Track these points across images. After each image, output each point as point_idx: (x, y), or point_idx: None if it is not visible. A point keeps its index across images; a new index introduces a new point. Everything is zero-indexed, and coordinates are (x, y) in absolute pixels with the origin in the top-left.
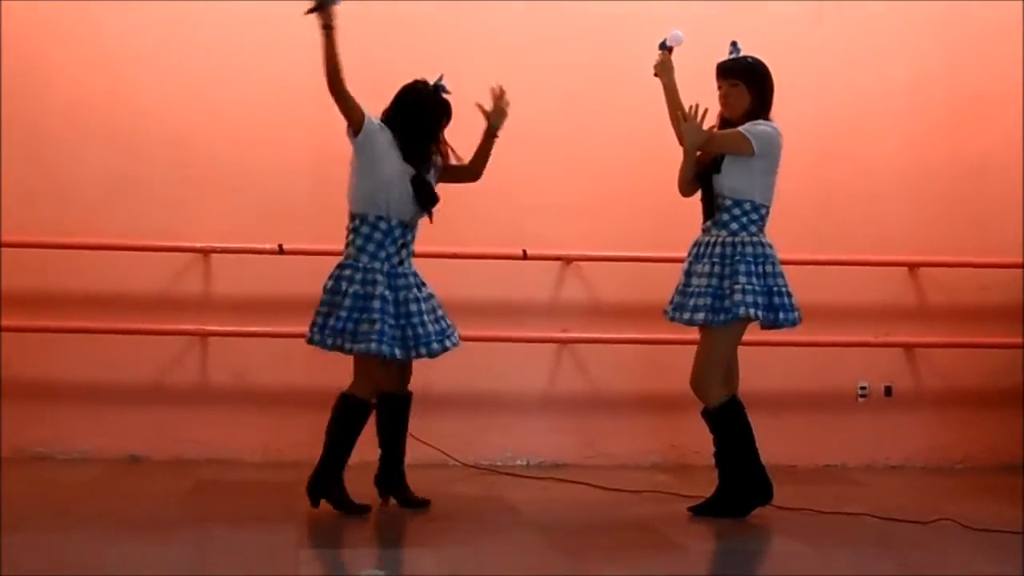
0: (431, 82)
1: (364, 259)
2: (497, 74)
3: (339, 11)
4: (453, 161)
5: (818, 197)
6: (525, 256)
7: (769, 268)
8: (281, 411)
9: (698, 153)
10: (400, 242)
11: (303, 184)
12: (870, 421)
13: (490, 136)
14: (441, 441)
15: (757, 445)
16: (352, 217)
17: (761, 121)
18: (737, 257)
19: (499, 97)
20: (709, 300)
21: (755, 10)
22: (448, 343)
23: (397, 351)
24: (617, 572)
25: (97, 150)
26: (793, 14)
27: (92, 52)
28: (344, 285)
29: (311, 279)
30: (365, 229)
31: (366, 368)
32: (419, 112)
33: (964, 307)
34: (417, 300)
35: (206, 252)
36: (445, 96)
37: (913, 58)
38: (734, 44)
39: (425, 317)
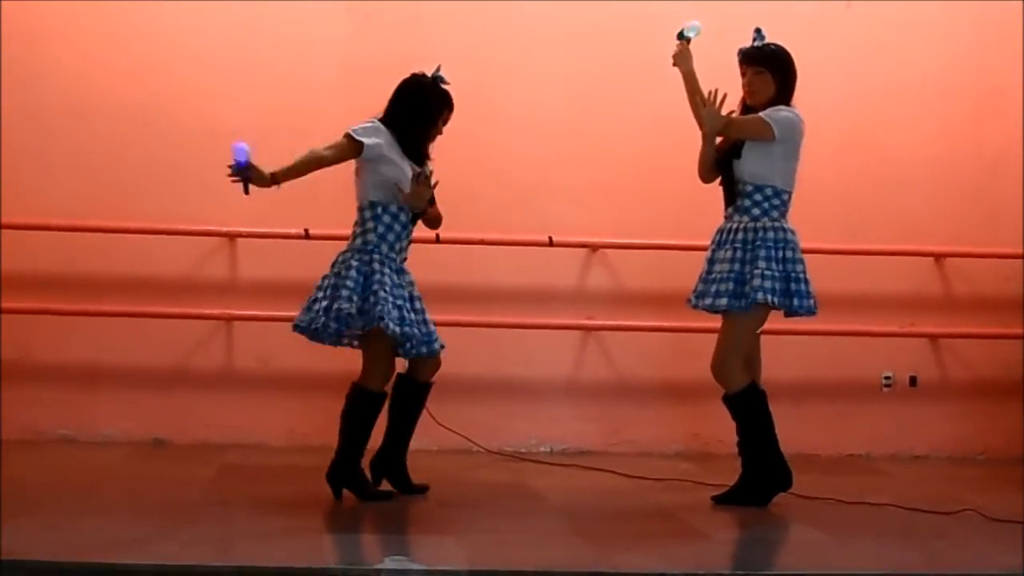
0: (429, 74)
1: (384, 247)
2: (523, 59)
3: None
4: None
5: (843, 186)
6: (551, 243)
7: (788, 254)
8: (306, 396)
9: (718, 139)
10: (408, 238)
11: (329, 169)
12: (895, 411)
13: (417, 219)
14: (466, 427)
15: (776, 432)
16: (371, 205)
17: (782, 107)
18: (758, 243)
19: (423, 184)
20: (731, 286)
21: None
22: (437, 346)
23: (424, 347)
24: (641, 559)
25: (123, 134)
26: (821, 1)
27: (118, 34)
28: (377, 266)
29: None
30: (387, 218)
31: (382, 358)
32: (422, 107)
33: (989, 298)
34: (420, 298)
35: (232, 236)
36: (445, 87)
37: (940, 48)
38: (758, 31)
39: (427, 315)
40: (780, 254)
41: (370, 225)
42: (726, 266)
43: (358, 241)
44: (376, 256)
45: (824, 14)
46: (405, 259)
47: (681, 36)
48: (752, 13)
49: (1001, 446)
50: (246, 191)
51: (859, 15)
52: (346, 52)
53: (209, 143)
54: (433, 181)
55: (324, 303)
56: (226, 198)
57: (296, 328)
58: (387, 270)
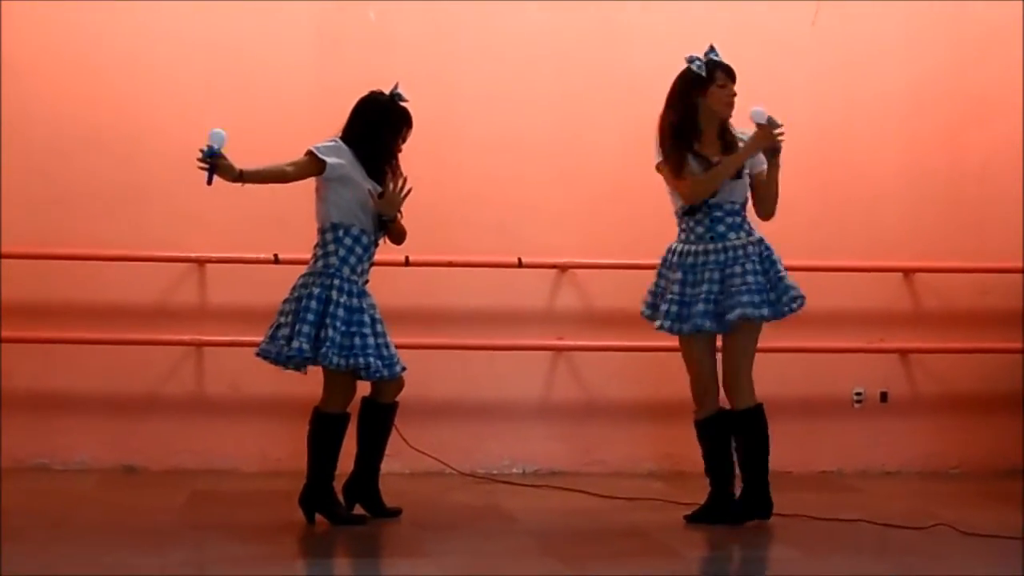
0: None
1: (346, 271)
2: (492, 81)
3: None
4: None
5: (814, 202)
6: (520, 264)
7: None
8: (278, 420)
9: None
10: (370, 260)
11: (298, 193)
12: (866, 427)
13: (384, 226)
14: (438, 450)
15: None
16: (332, 227)
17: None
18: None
19: (397, 188)
20: (766, 295)
21: (751, 12)
22: (398, 369)
23: (384, 370)
24: None
25: (91, 161)
26: (789, 16)
27: (88, 63)
28: (335, 295)
29: None
30: (348, 240)
31: (339, 383)
32: (382, 126)
33: (959, 312)
34: (381, 321)
35: (201, 262)
36: (403, 104)
37: (911, 61)
38: (711, 49)
39: (388, 338)
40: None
41: (331, 248)
42: (749, 278)
43: (319, 264)
44: (336, 281)
45: (791, 31)
46: (367, 281)
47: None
48: (719, 33)
49: (974, 460)
50: (209, 180)
51: (825, 32)
52: (316, 76)
53: (178, 169)
54: (407, 188)
55: (286, 331)
56: (195, 224)
57: (260, 355)
58: (344, 297)
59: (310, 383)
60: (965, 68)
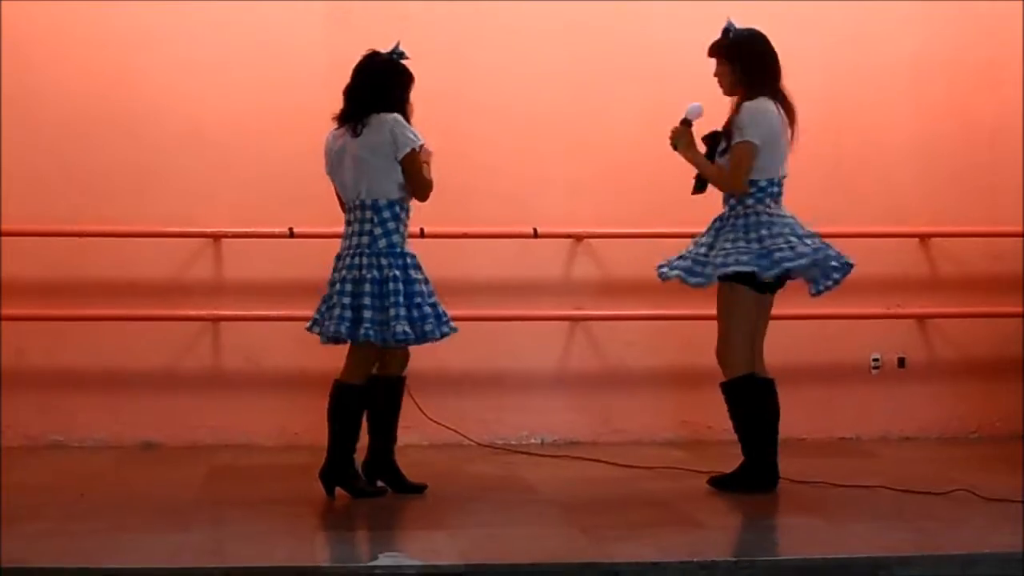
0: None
1: (406, 247)
2: (507, 52)
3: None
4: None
5: (827, 170)
6: (536, 235)
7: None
8: (295, 394)
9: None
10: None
11: (312, 167)
12: (884, 393)
13: None
14: (456, 421)
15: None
16: (393, 203)
17: (752, 107)
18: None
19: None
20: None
21: None
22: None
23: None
24: (635, 549)
25: (106, 137)
26: None
27: (100, 38)
28: (412, 272)
29: (322, 262)
30: (404, 216)
31: (363, 354)
32: (396, 87)
33: (976, 277)
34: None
35: (216, 237)
36: (405, 63)
37: (921, 28)
38: (728, 24)
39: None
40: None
41: (391, 226)
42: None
43: (382, 243)
44: (408, 259)
45: (801, 1)
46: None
47: (685, 122)
48: (730, 3)
49: (993, 425)
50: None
51: (836, 1)
52: (328, 51)
53: (192, 145)
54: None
55: (374, 314)
56: (210, 199)
57: (332, 340)
58: (412, 271)
59: (326, 356)
60: (974, 34)
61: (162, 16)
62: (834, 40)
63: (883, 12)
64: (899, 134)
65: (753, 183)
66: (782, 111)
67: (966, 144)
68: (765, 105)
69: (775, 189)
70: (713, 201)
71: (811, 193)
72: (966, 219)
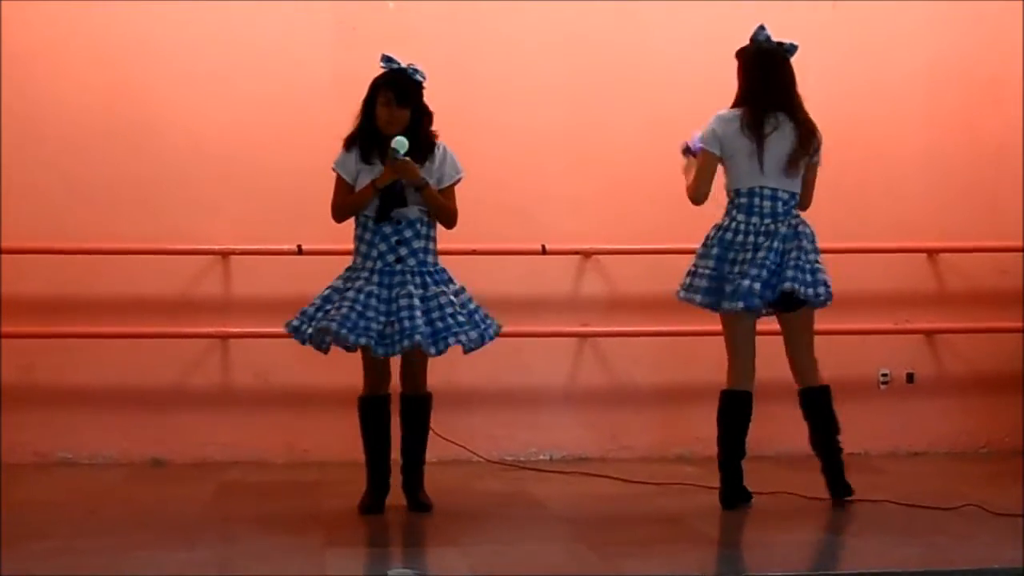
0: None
1: (358, 259)
2: (512, 68)
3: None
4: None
5: (834, 184)
6: (544, 251)
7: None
8: (304, 411)
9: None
10: (386, 239)
11: (320, 184)
12: (892, 408)
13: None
14: (465, 438)
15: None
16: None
17: (711, 121)
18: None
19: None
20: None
21: None
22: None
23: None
24: (646, 565)
25: (114, 154)
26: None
27: (107, 54)
28: (340, 283)
29: (330, 279)
30: (358, 229)
31: (363, 364)
32: (362, 105)
33: (984, 292)
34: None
35: (225, 254)
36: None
37: (929, 43)
38: (755, 31)
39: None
40: None
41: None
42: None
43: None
44: (347, 273)
45: (811, 14)
46: (398, 258)
47: (688, 152)
48: (740, 15)
49: (1002, 440)
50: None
51: (846, 13)
52: (334, 65)
53: (198, 161)
54: (401, 153)
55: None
56: (218, 216)
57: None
58: (359, 283)
59: (335, 373)
60: (982, 50)
61: (166, 30)
62: (842, 53)
63: (892, 26)
64: (907, 148)
65: (727, 194)
66: (748, 125)
67: (974, 159)
68: (721, 114)
69: (741, 200)
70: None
71: (819, 207)
72: (974, 234)
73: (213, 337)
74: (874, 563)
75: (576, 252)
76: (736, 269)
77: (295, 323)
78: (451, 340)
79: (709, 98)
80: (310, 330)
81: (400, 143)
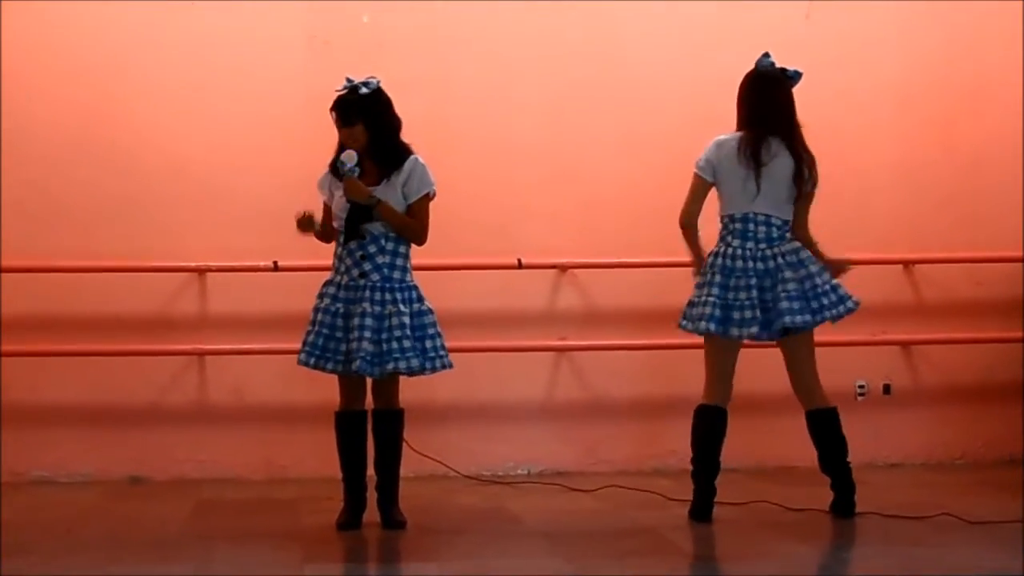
0: None
1: (331, 274)
2: (487, 82)
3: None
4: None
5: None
6: (520, 265)
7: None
8: (281, 428)
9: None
10: (352, 255)
11: (296, 200)
12: (869, 419)
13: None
14: (441, 452)
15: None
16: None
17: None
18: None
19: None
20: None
21: (743, 9)
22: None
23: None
24: None
25: (89, 172)
26: (781, 12)
27: (83, 72)
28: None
29: (307, 295)
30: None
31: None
32: None
33: (960, 303)
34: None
35: (201, 271)
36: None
37: (903, 54)
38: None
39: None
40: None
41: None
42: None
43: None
44: (322, 288)
45: (784, 24)
46: (362, 273)
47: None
48: (713, 28)
49: (978, 451)
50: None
51: (819, 23)
52: (308, 80)
53: (174, 178)
54: (348, 167)
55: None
56: (194, 233)
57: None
58: (326, 301)
59: (313, 390)
60: (956, 61)
61: (142, 49)
62: (815, 64)
63: (865, 36)
64: (882, 159)
65: (727, 217)
66: (745, 151)
67: (949, 169)
68: (719, 139)
69: (735, 226)
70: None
71: None
72: (950, 245)
73: (190, 354)
74: (852, 574)
75: (552, 266)
76: (742, 296)
77: (303, 359)
78: (390, 365)
79: (687, 113)
80: (306, 359)
81: (349, 156)
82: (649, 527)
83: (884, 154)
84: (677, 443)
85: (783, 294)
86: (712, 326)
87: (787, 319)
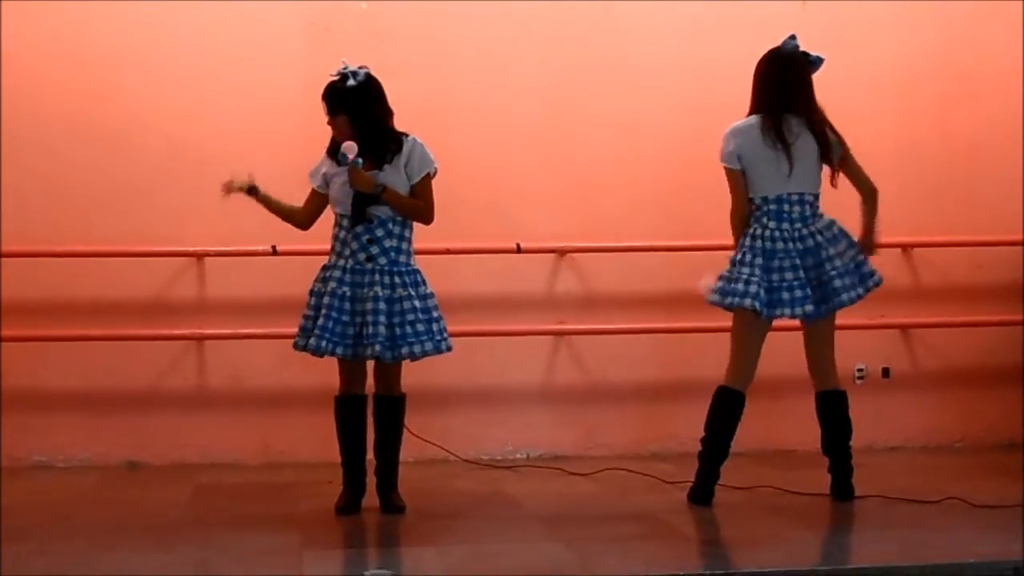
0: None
1: (332, 258)
2: (485, 68)
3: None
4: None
5: None
6: (519, 250)
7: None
8: (280, 412)
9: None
10: (358, 239)
11: (294, 184)
12: (869, 403)
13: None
14: (440, 437)
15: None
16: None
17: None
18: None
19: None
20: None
21: None
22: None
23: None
24: (622, 563)
25: (84, 157)
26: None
27: (82, 58)
28: (319, 286)
29: (306, 280)
30: (334, 228)
31: (338, 365)
32: None
33: (958, 287)
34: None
35: (199, 256)
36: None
37: (901, 39)
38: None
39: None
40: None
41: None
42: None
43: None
44: (323, 273)
45: (782, 12)
46: (369, 257)
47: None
48: (710, 15)
49: (977, 434)
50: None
51: (816, 11)
52: (305, 69)
53: (172, 164)
54: (351, 158)
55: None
56: (192, 217)
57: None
58: (331, 284)
59: (311, 374)
60: (954, 47)
61: (140, 34)
62: (814, 50)
63: (863, 24)
64: (881, 145)
65: (752, 202)
66: (770, 133)
67: (947, 154)
68: (736, 126)
69: (770, 207)
70: (696, 217)
71: None
72: (949, 228)
73: (188, 339)
74: (853, 558)
75: (551, 250)
76: (788, 276)
77: (300, 343)
78: (405, 349)
79: (685, 98)
80: (310, 343)
81: (350, 148)
82: (648, 511)
83: (882, 139)
84: (676, 427)
85: (832, 271)
86: (757, 304)
87: (844, 296)
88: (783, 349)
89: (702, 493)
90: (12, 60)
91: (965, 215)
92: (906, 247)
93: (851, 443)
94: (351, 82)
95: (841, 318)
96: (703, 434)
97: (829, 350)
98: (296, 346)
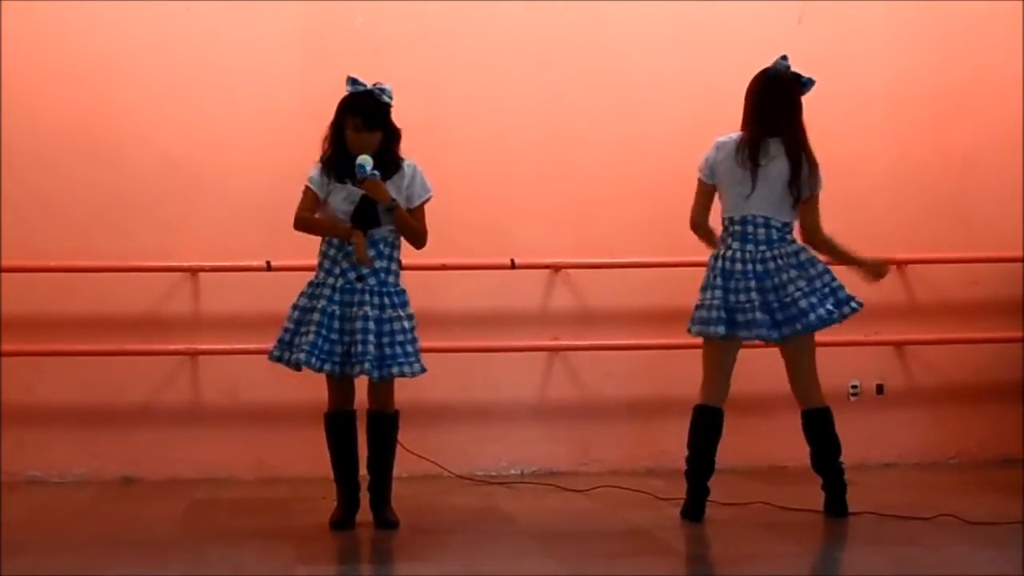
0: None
1: (320, 275)
2: (481, 82)
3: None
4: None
5: None
6: (513, 265)
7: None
8: (274, 428)
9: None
10: (348, 255)
11: (289, 199)
12: (863, 420)
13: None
14: (434, 453)
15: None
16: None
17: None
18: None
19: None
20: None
21: (735, 11)
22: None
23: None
24: None
25: (83, 172)
26: (774, 14)
27: (78, 73)
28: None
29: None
30: (323, 245)
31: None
32: (331, 124)
33: (953, 303)
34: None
35: (194, 271)
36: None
37: (895, 56)
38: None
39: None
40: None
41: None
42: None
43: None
44: (310, 289)
45: (776, 28)
46: (359, 277)
47: None
48: (706, 31)
49: (971, 450)
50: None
51: (811, 28)
52: (302, 81)
53: (167, 178)
54: (369, 170)
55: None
56: (187, 233)
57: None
58: (322, 302)
59: (305, 390)
60: (948, 62)
61: (136, 49)
62: (807, 68)
63: (856, 40)
64: (874, 161)
65: (722, 222)
66: (743, 152)
67: (941, 170)
68: (720, 140)
69: (735, 228)
70: (691, 234)
71: None
72: (943, 245)
73: (183, 354)
74: (847, 574)
75: (545, 266)
76: (742, 298)
77: (276, 354)
78: (395, 369)
79: (680, 115)
80: (293, 357)
81: (367, 160)
82: (642, 527)
83: (877, 156)
84: (670, 443)
85: (797, 292)
86: (721, 329)
87: (812, 316)
88: (772, 366)
89: (693, 509)
90: (9, 75)
91: (959, 231)
92: (900, 263)
93: (842, 459)
94: (386, 99)
95: (834, 335)
96: (687, 453)
97: (808, 370)
98: (271, 356)
